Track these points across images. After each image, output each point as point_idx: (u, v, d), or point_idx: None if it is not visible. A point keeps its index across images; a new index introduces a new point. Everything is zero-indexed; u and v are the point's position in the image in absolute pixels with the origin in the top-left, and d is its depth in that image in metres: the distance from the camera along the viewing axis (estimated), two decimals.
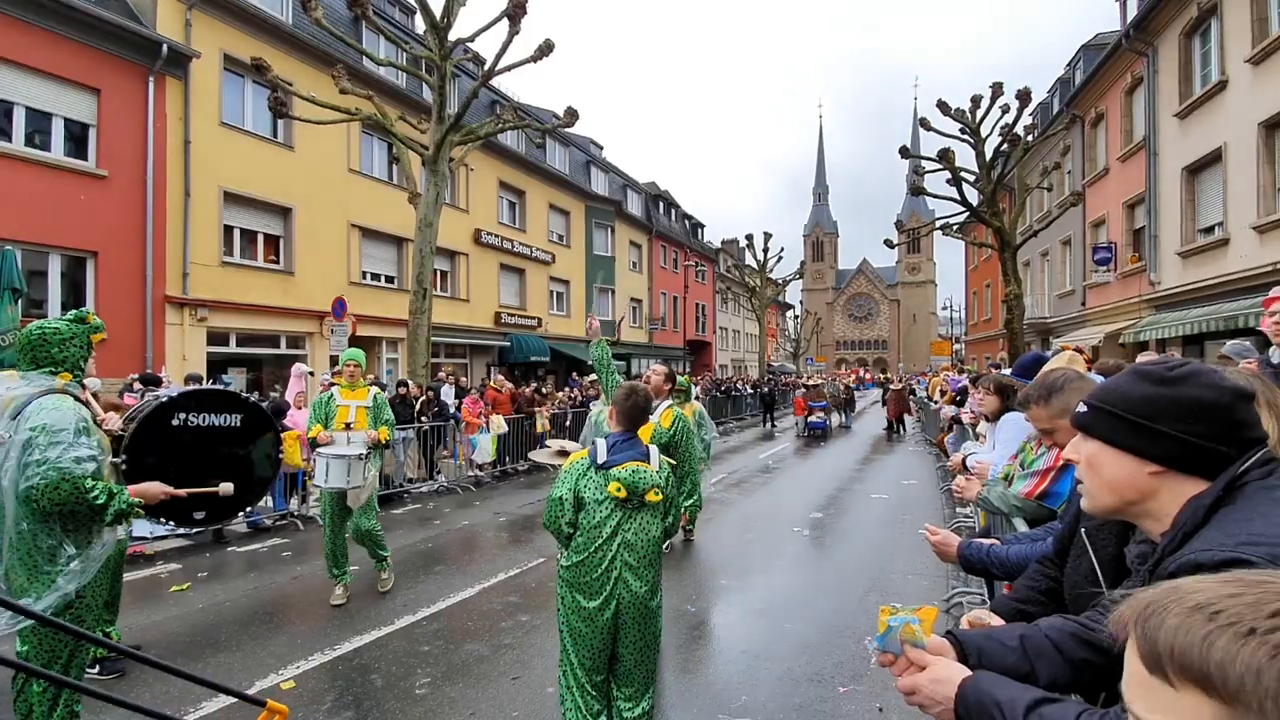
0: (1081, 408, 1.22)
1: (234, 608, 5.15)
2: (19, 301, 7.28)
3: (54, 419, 2.42)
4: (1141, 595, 0.62)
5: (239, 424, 3.57)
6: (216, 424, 3.49)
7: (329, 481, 5.12)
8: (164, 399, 3.31)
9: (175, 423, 3.27)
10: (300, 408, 8.60)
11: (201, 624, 4.78)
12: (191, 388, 4.30)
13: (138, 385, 7.90)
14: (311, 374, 9.54)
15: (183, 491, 2.77)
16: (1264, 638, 0.51)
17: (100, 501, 2.41)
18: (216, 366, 13.43)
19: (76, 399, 2.59)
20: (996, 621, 1.57)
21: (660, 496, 2.75)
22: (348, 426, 5.32)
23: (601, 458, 2.75)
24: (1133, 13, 15.85)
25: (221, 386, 7.75)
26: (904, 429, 19.37)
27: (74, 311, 2.79)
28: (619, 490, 2.67)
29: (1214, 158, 12.38)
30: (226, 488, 2.95)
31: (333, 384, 5.75)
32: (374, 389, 5.67)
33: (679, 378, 7.62)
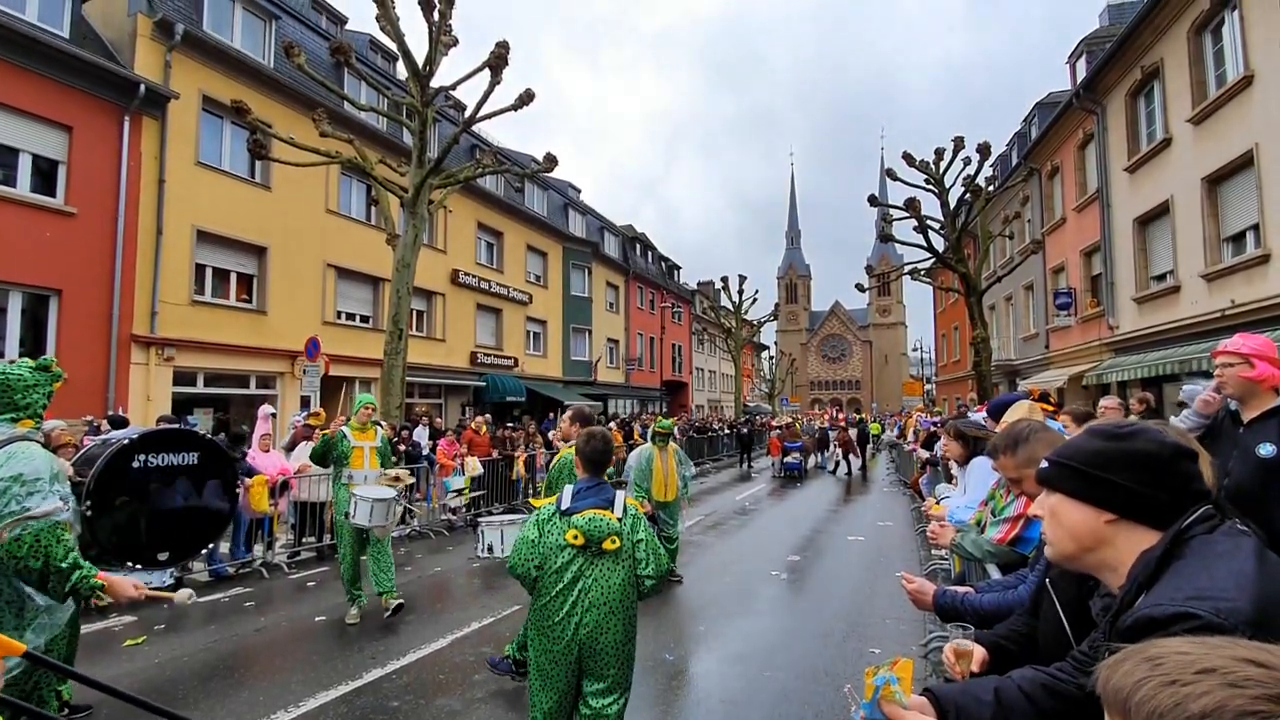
0: (1043, 464, 1.31)
1: (192, 662, 4.92)
2: None
3: (29, 467, 2.33)
4: (1130, 681, 0.62)
5: (196, 462, 3.57)
6: (175, 464, 3.48)
7: (372, 521, 5.60)
8: (125, 441, 3.27)
9: (136, 465, 3.24)
10: (266, 450, 8.37)
11: (157, 680, 4.57)
12: (147, 429, 4.22)
13: (105, 427, 7.67)
14: (274, 415, 9.35)
15: (143, 594, 2.44)
16: None
17: (63, 565, 2.22)
18: (182, 407, 13.08)
19: (43, 445, 2.52)
20: (979, 651, 1.63)
21: (618, 544, 2.75)
22: (366, 479, 5.97)
23: (566, 504, 2.80)
24: (1082, 74, 16.85)
25: (179, 426, 7.56)
26: (850, 466, 19.76)
27: (41, 359, 2.72)
28: (576, 538, 2.71)
29: (1162, 210, 13.04)
30: (182, 596, 2.66)
31: (344, 422, 6.24)
32: (380, 430, 6.30)
33: (662, 420, 7.77)
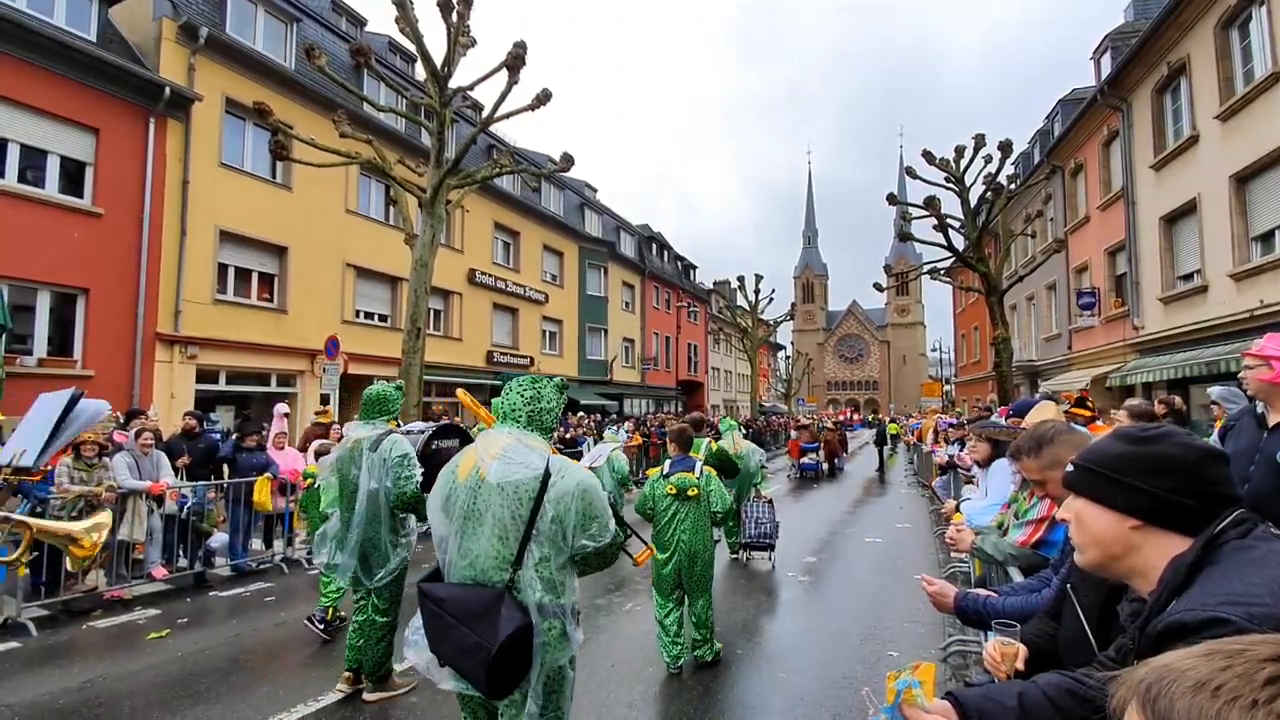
0: (1068, 469, 1.28)
1: (214, 656, 5.00)
2: (2, 337, 7.21)
3: (408, 450, 3.96)
4: (1136, 675, 0.64)
5: (458, 445, 5.02)
6: (450, 446, 5.04)
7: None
8: (428, 433, 4.81)
9: (434, 448, 4.67)
10: (281, 448, 8.43)
11: (179, 673, 4.64)
12: (437, 424, 6.08)
13: (137, 421, 7.81)
14: (287, 414, 9.40)
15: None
16: (1266, 707, 0.55)
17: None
18: (204, 404, 13.28)
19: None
20: (1023, 650, 1.63)
21: (697, 492, 4.71)
22: None
23: (666, 470, 4.87)
24: (1106, 70, 16.56)
25: (450, 423, 8.70)
26: (834, 468, 19.52)
27: (396, 383, 4.26)
28: (672, 489, 4.73)
29: (1189, 208, 12.78)
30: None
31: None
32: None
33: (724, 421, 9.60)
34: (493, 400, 7.90)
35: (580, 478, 2.26)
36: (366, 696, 4.18)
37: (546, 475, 2.21)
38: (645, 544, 3.33)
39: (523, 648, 2.09)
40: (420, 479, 3.87)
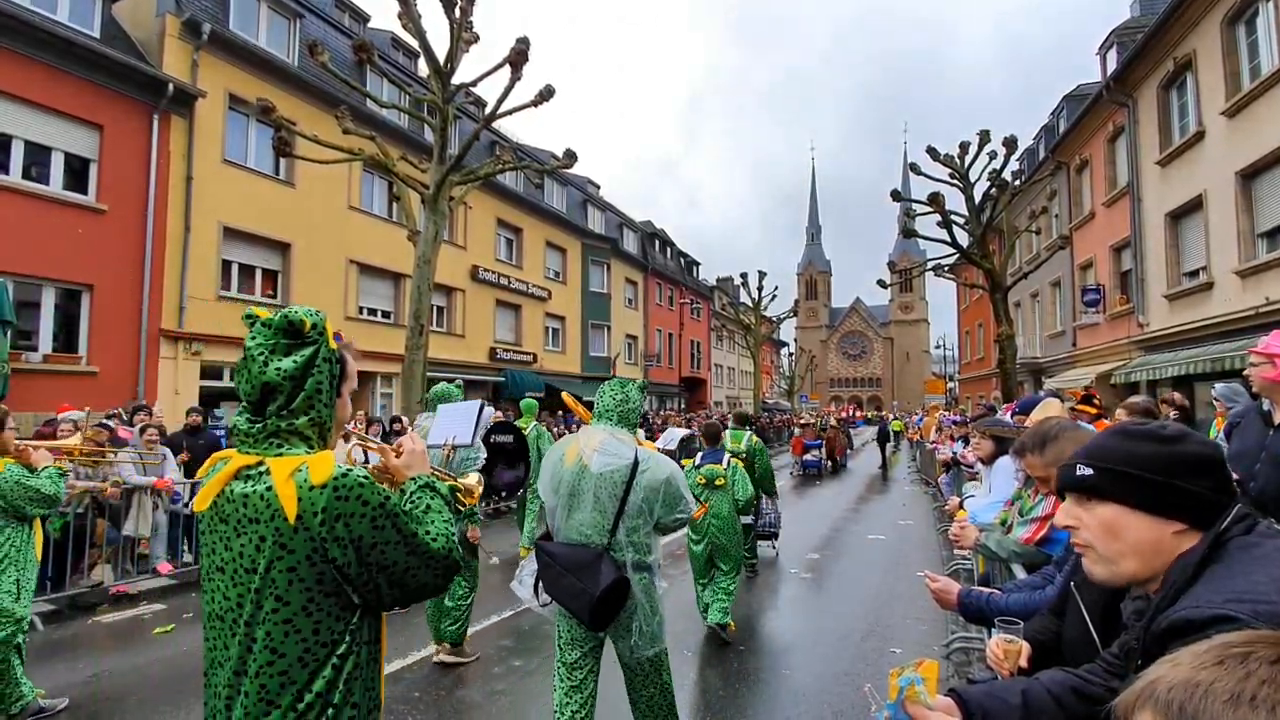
0: (1085, 471, 1.19)
1: None
2: (8, 334, 7.25)
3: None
4: (1155, 689, 0.61)
5: (513, 441, 5.82)
6: (505, 442, 5.72)
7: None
8: (486, 427, 5.17)
9: (490, 440, 5.20)
10: None
11: (185, 668, 4.65)
12: (494, 419, 6.61)
13: (141, 416, 7.83)
14: None
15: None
16: None
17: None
18: (209, 401, 13.33)
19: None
20: (1026, 648, 1.62)
21: (725, 482, 5.35)
22: None
23: (697, 462, 5.51)
24: (1112, 66, 16.47)
25: (508, 420, 9.39)
26: (835, 466, 19.50)
27: (457, 381, 4.86)
28: (701, 479, 5.34)
29: (1195, 204, 12.72)
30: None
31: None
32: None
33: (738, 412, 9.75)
34: (524, 402, 8.53)
35: (668, 472, 2.85)
36: (443, 658, 4.67)
37: (635, 464, 2.77)
38: (700, 503, 5.06)
39: (617, 595, 2.66)
40: (483, 464, 4.53)
